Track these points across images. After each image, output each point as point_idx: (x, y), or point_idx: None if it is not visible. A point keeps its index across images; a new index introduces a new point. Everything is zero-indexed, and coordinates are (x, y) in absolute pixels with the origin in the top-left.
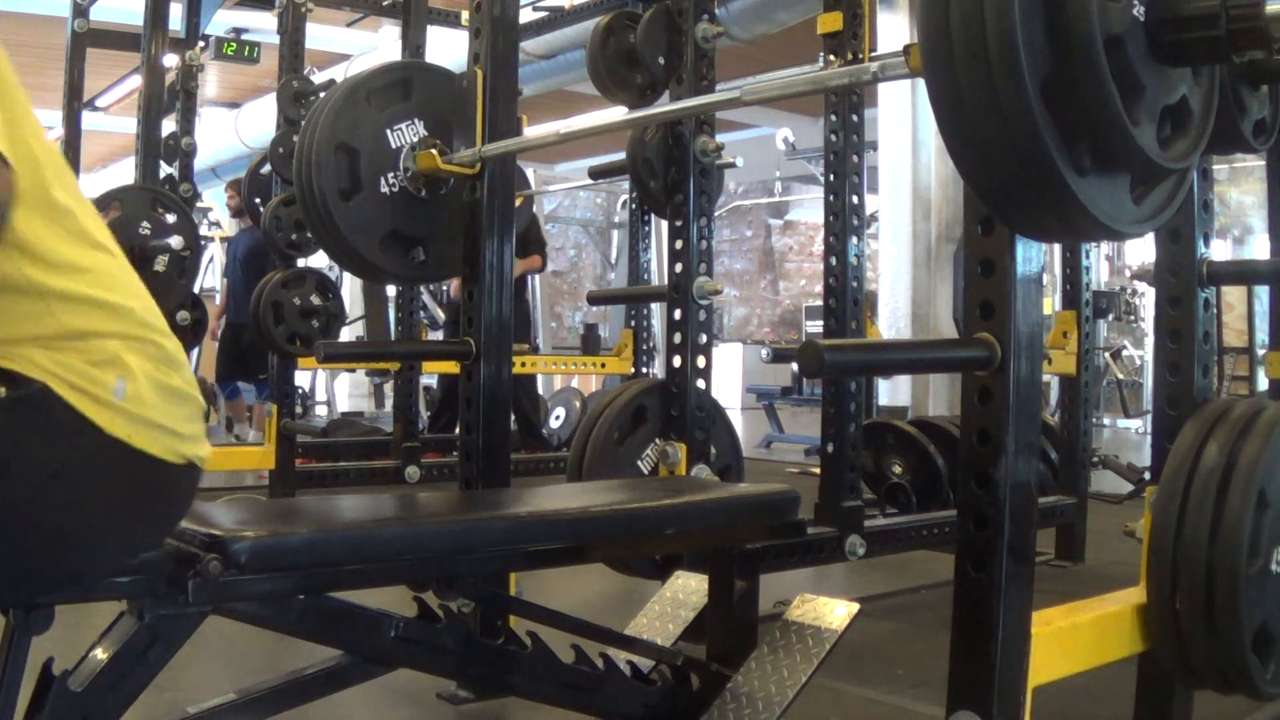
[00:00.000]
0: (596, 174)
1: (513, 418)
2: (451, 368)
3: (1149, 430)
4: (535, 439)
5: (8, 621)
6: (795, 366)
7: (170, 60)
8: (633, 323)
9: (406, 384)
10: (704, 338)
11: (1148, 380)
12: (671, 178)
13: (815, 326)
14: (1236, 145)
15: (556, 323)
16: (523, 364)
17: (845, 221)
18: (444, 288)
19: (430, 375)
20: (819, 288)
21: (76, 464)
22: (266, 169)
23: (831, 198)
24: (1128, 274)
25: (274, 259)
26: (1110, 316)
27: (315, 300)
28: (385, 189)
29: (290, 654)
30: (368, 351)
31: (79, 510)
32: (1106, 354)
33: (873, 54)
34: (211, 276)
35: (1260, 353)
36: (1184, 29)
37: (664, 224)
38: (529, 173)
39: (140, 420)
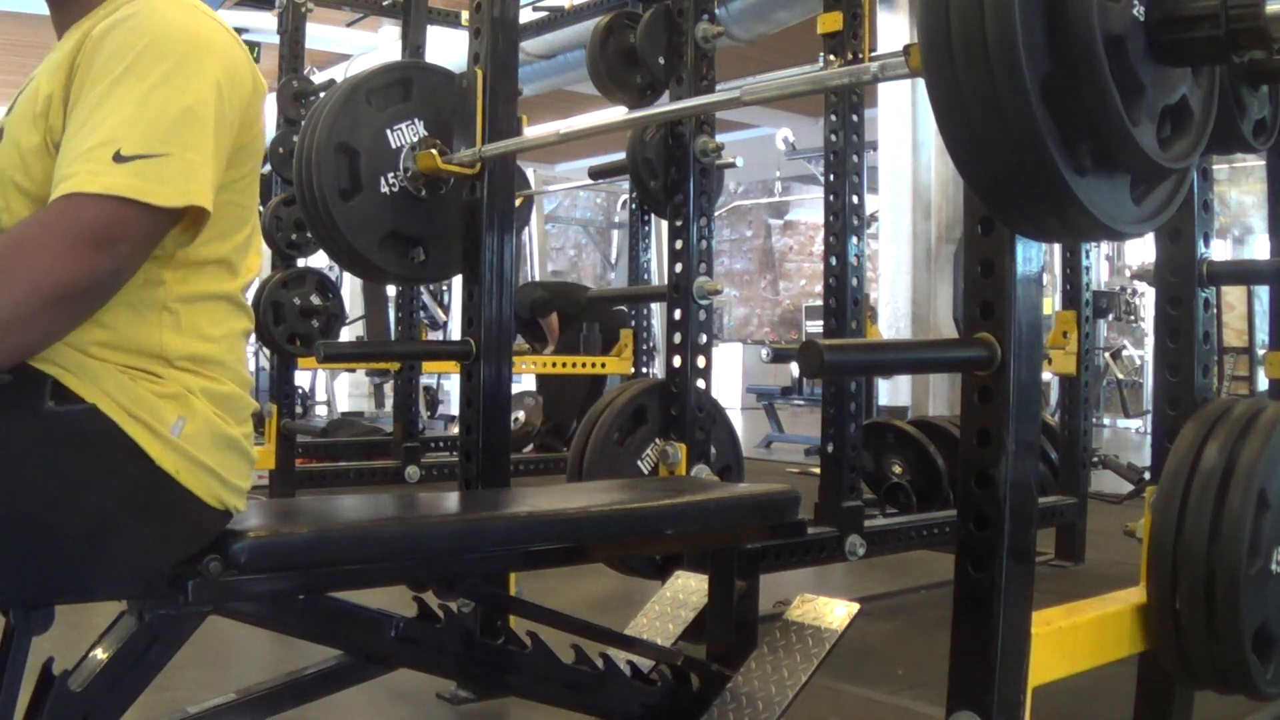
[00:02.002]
0: (596, 174)
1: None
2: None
3: (1149, 430)
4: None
5: (8, 621)
6: (795, 367)
7: None
8: (633, 323)
9: (406, 384)
10: (704, 338)
11: (1148, 380)
12: (671, 178)
13: (815, 326)
14: (1236, 145)
15: None
16: (522, 365)
17: (845, 221)
18: (444, 287)
19: (430, 375)
20: (819, 288)
21: (117, 487)
22: (266, 169)
23: (831, 198)
24: (1128, 274)
25: (273, 260)
26: (1110, 316)
27: (315, 300)
28: (385, 189)
29: (290, 654)
30: (368, 351)
31: (107, 528)
32: (1106, 354)
33: (873, 54)
34: None
35: (1260, 353)
36: (1184, 29)
37: (664, 224)
38: (529, 173)
39: (192, 460)
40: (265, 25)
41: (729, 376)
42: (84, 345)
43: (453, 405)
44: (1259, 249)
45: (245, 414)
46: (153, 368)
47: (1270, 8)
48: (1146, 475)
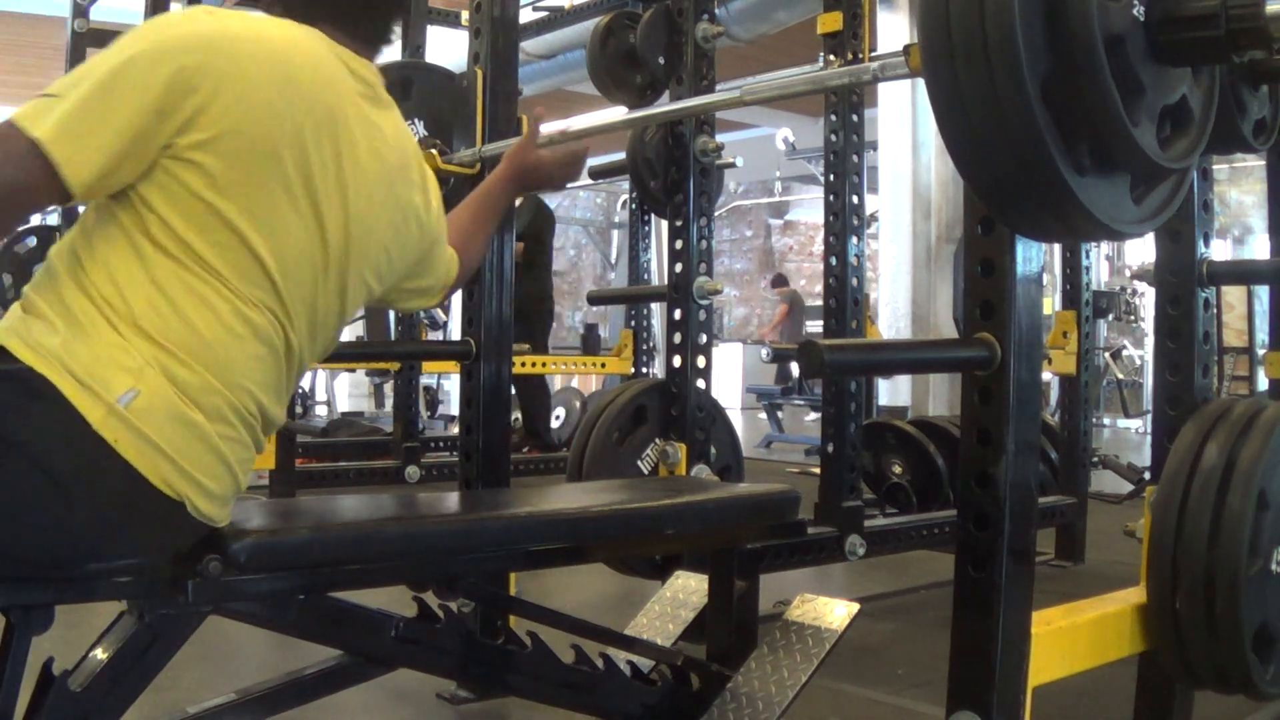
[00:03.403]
0: (596, 174)
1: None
2: None
3: (1149, 430)
4: (538, 439)
5: (8, 621)
6: (795, 367)
7: None
8: (633, 323)
9: (406, 384)
10: (704, 338)
11: (1148, 380)
12: (671, 178)
13: (815, 326)
14: (1236, 145)
15: (556, 323)
16: (523, 364)
17: (845, 221)
18: None
19: (430, 375)
20: (819, 288)
21: (50, 448)
22: None
23: (831, 198)
24: (1128, 274)
25: None
26: (1110, 316)
27: None
28: None
29: (290, 654)
30: (368, 351)
31: (40, 492)
32: (1106, 354)
33: (873, 54)
34: None
35: (1260, 353)
36: (1184, 29)
37: (664, 224)
38: None
39: (135, 432)
40: None
41: (729, 376)
42: (71, 272)
43: (453, 405)
44: (1259, 249)
45: (228, 415)
46: (116, 319)
47: (1270, 8)
48: (1146, 475)
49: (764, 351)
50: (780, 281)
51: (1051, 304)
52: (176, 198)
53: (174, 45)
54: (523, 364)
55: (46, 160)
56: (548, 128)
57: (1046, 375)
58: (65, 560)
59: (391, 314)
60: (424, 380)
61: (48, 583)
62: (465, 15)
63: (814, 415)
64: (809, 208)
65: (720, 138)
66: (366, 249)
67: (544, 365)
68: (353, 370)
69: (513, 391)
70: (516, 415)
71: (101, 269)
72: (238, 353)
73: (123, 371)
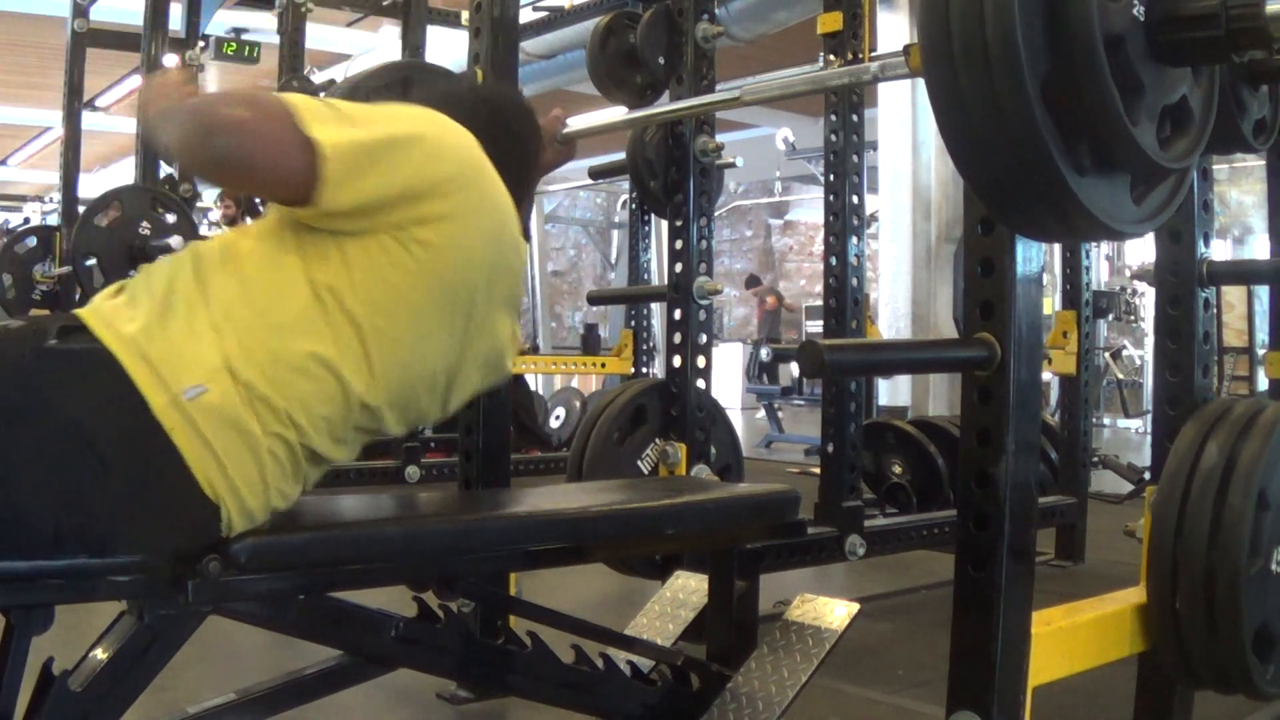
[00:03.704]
0: (596, 174)
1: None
2: None
3: (1149, 430)
4: (529, 437)
5: (8, 621)
6: (794, 367)
7: (170, 60)
8: (633, 323)
9: None
10: (704, 338)
11: (1148, 380)
12: (671, 178)
13: (815, 326)
14: (1236, 145)
15: (556, 323)
16: (523, 364)
17: (845, 221)
18: None
19: None
20: (819, 288)
21: (102, 425)
22: None
23: (831, 198)
24: (1128, 274)
25: None
26: (1110, 316)
27: None
28: None
29: (290, 654)
30: None
31: (78, 465)
32: (1106, 354)
33: (873, 54)
34: None
35: (1260, 353)
36: (1184, 29)
37: (664, 224)
38: None
39: (193, 426)
40: (265, 25)
41: (729, 376)
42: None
43: None
44: (1259, 249)
45: (283, 436)
46: (214, 322)
47: (1270, 8)
48: (1146, 475)
49: (764, 352)
50: (754, 282)
51: (1051, 304)
52: (373, 268)
53: (453, 152)
54: (522, 364)
55: (314, 165)
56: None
57: (1046, 375)
58: (76, 539)
59: None
60: None
61: (48, 582)
62: (465, 15)
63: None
64: (809, 208)
65: (720, 138)
66: (472, 370)
67: (547, 366)
68: None
69: None
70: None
71: (240, 280)
72: (309, 390)
73: (196, 366)
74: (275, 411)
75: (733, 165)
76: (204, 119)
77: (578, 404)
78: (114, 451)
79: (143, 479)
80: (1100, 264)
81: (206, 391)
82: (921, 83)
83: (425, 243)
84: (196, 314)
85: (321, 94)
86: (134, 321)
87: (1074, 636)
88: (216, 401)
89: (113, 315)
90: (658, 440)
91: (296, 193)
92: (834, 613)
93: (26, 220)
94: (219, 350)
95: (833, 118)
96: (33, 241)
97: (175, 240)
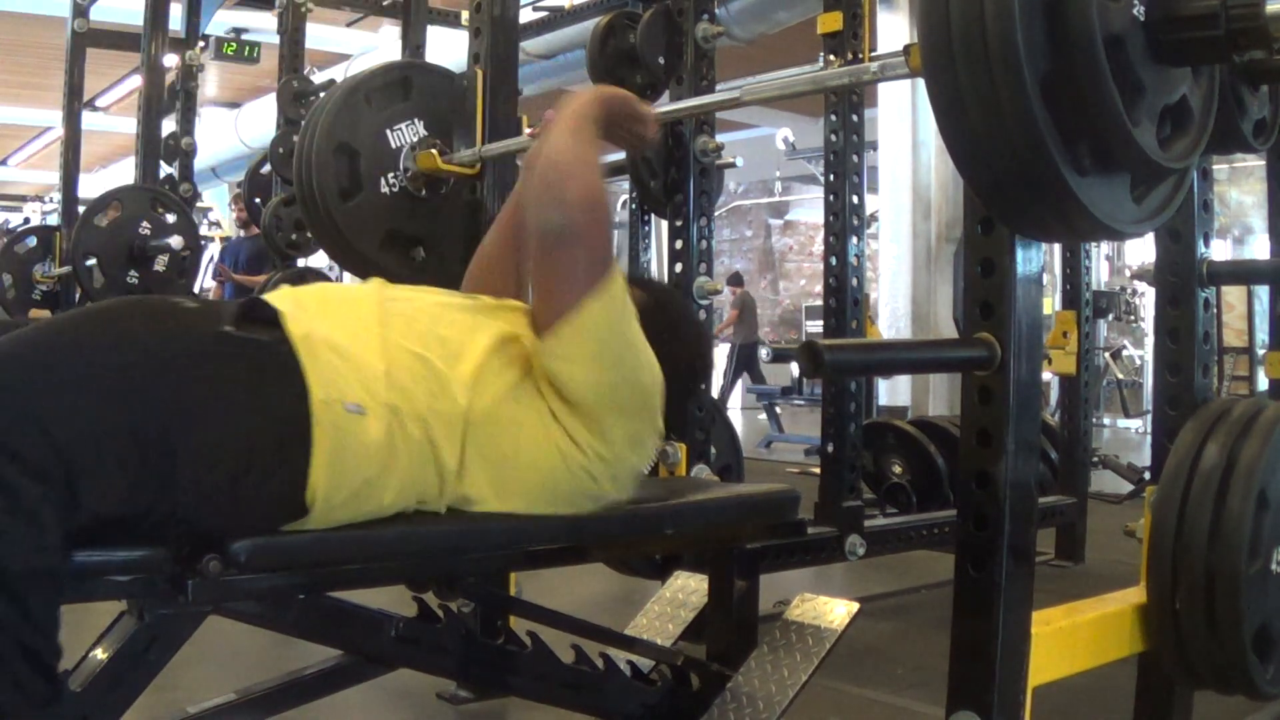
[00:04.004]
0: None
1: None
2: None
3: (1149, 430)
4: None
5: None
6: (794, 367)
7: (170, 60)
8: None
9: None
10: None
11: (1148, 380)
12: (671, 178)
13: (815, 326)
14: (1236, 145)
15: None
16: None
17: (845, 221)
18: None
19: None
20: (819, 288)
21: (256, 406)
22: (266, 169)
23: (831, 198)
24: (1128, 274)
25: (273, 260)
26: (1110, 316)
27: None
28: (385, 189)
29: (290, 654)
30: None
31: (239, 448)
32: (1106, 354)
33: (873, 54)
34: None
35: (1260, 353)
36: (1184, 29)
37: (664, 224)
38: None
39: (338, 432)
40: (265, 25)
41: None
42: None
43: None
44: (1259, 249)
45: (400, 481)
46: (434, 367)
47: (1270, 8)
48: (1146, 475)
49: (764, 352)
50: (736, 280)
51: (1051, 304)
52: (522, 419)
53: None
54: None
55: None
56: None
57: (1046, 375)
58: (170, 523)
59: None
60: None
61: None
62: (465, 15)
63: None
64: (809, 208)
65: (720, 138)
66: None
67: None
68: None
69: None
70: None
71: (469, 339)
72: (419, 459)
73: (364, 391)
74: (404, 453)
75: (733, 165)
76: (592, 191)
77: None
78: (254, 426)
79: (266, 457)
80: (1100, 264)
81: (365, 415)
82: (921, 83)
83: (573, 450)
84: (371, 343)
85: (320, 94)
86: (314, 326)
87: (1074, 636)
88: (366, 426)
89: (295, 314)
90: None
91: (561, 301)
92: (834, 612)
93: (26, 220)
94: (386, 387)
95: (833, 118)
96: (33, 241)
97: (175, 240)
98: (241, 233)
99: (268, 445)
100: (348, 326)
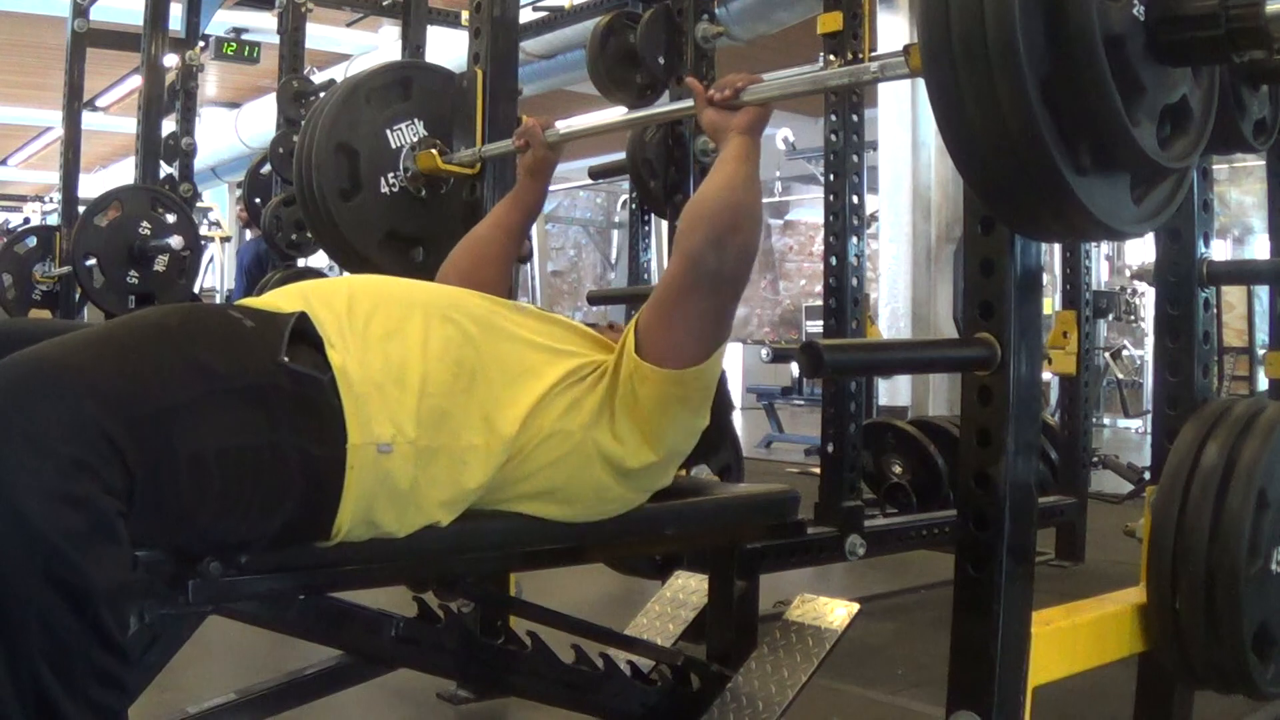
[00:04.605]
0: (596, 174)
1: None
2: None
3: (1149, 430)
4: None
5: None
6: (794, 367)
7: (170, 60)
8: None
9: None
10: None
11: (1148, 380)
12: (671, 178)
13: (815, 326)
14: (1236, 145)
15: None
16: None
17: (845, 221)
18: None
19: None
20: (819, 288)
21: (295, 443)
22: (266, 169)
23: (831, 198)
24: (1128, 274)
25: (274, 260)
26: (1110, 316)
27: None
28: (385, 189)
29: (290, 654)
30: None
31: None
32: (1106, 354)
33: (873, 54)
34: (212, 276)
35: (1260, 353)
36: (1184, 29)
37: (664, 224)
38: None
39: (363, 479)
40: (265, 25)
41: (729, 376)
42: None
43: None
44: (1259, 249)
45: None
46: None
47: (1270, 8)
48: (1146, 475)
49: (764, 352)
50: None
51: (1051, 304)
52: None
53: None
54: None
55: (720, 348)
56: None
57: (1046, 375)
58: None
59: None
60: None
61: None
62: (465, 15)
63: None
64: (809, 208)
65: None
66: None
67: None
68: None
69: None
70: None
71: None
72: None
73: (393, 427)
74: (424, 488)
75: None
76: (753, 250)
77: None
78: (292, 461)
79: (300, 493)
80: (1100, 264)
81: (392, 453)
82: (921, 83)
83: (630, 471)
84: (412, 371)
85: (320, 94)
86: (354, 354)
87: (1074, 636)
88: (391, 466)
89: (338, 334)
90: None
91: (690, 346)
92: (834, 613)
93: (26, 220)
94: (420, 426)
95: (833, 118)
96: (33, 241)
97: (175, 240)
98: (249, 234)
99: (304, 485)
100: (392, 349)
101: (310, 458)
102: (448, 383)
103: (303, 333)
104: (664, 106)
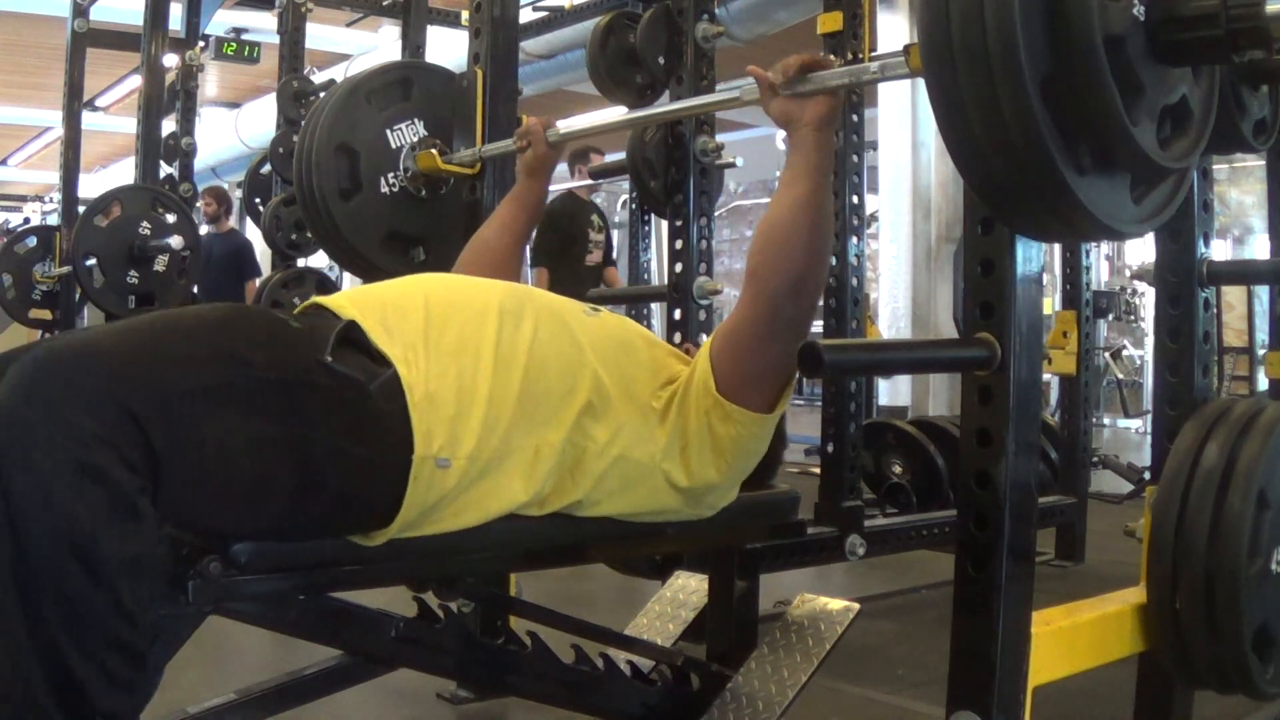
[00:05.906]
0: (596, 174)
1: None
2: None
3: (1149, 430)
4: None
5: None
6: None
7: (170, 60)
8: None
9: None
10: (704, 338)
11: (1148, 380)
12: (671, 178)
13: (815, 326)
14: (1236, 145)
15: None
16: None
17: (845, 221)
18: None
19: None
20: None
21: (340, 445)
22: (266, 169)
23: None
24: (1128, 274)
25: (269, 260)
26: (1110, 316)
27: None
28: (385, 189)
29: (290, 654)
30: None
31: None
32: (1106, 354)
33: (873, 54)
34: None
35: (1260, 353)
36: (1184, 29)
37: (664, 224)
38: None
39: (421, 492)
40: (265, 25)
41: None
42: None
43: None
44: (1259, 249)
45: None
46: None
47: (1270, 8)
48: (1146, 475)
49: None
50: None
51: (1051, 304)
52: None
53: None
54: None
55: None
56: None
57: (1046, 375)
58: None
59: None
60: None
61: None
62: (465, 15)
63: None
64: None
65: (720, 138)
66: None
67: None
68: None
69: None
70: None
71: (525, 368)
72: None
73: (451, 441)
74: (476, 499)
75: (733, 165)
76: (823, 284)
77: None
78: (330, 470)
79: (357, 496)
80: (1100, 264)
81: (449, 469)
82: (921, 83)
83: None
84: (479, 388)
85: (320, 94)
86: (421, 366)
87: (1074, 636)
88: (445, 479)
89: (408, 345)
90: None
91: (771, 389)
92: (834, 613)
93: (26, 220)
94: (476, 437)
95: None
96: (33, 241)
97: (175, 240)
98: (210, 228)
99: (340, 483)
100: (465, 363)
101: (348, 456)
102: (513, 399)
103: (352, 339)
104: (664, 106)
